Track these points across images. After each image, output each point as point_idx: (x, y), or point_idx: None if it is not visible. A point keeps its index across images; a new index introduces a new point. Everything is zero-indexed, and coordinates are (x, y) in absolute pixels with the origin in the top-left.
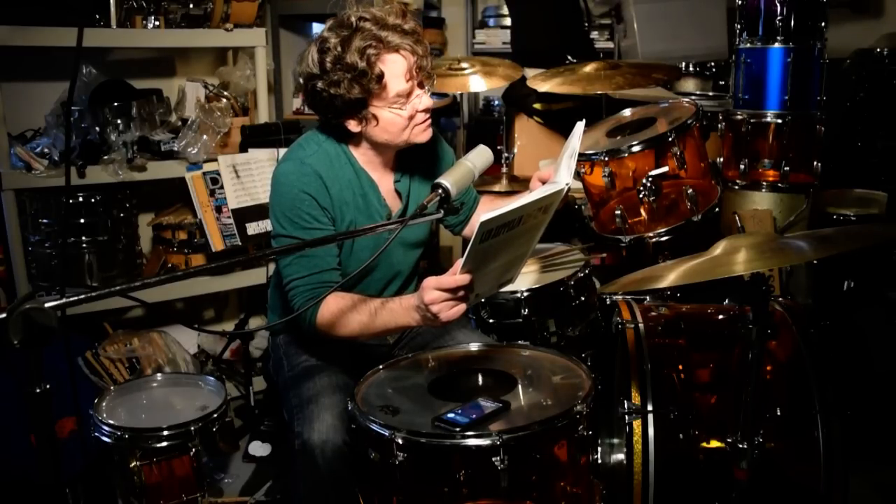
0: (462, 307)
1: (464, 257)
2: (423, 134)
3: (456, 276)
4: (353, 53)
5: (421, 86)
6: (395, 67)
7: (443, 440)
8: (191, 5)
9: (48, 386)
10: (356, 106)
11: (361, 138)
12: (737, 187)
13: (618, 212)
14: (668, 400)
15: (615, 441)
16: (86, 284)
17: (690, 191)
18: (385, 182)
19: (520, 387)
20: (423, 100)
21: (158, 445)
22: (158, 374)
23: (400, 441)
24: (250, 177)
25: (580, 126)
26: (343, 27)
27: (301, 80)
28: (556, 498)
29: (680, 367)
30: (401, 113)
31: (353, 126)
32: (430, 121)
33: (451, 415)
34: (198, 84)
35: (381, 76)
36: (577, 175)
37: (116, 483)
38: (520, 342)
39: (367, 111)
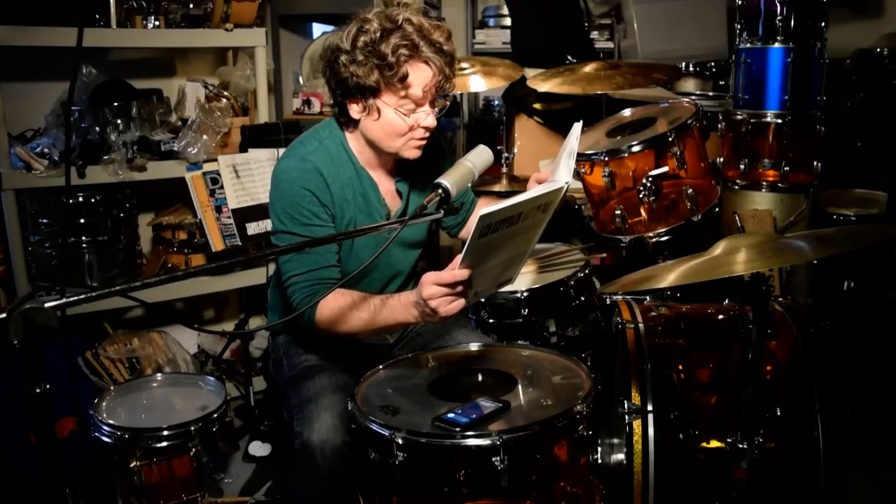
0: (460, 303)
1: (463, 252)
2: (413, 150)
3: (455, 270)
4: (387, 47)
5: (432, 104)
6: (418, 75)
7: (443, 440)
8: (191, 5)
9: (48, 386)
10: (366, 92)
11: (359, 132)
12: (737, 187)
13: (618, 212)
14: (668, 400)
15: (615, 441)
16: (86, 284)
17: (690, 191)
18: (385, 182)
19: (520, 387)
20: (429, 118)
21: (158, 445)
22: (158, 374)
23: (400, 441)
24: (250, 177)
25: (578, 126)
26: (389, 20)
27: (325, 52)
28: (556, 498)
29: (680, 367)
30: (404, 118)
31: (354, 111)
32: (425, 141)
33: (450, 415)
34: (198, 84)
35: (405, 76)
36: (577, 175)
37: (116, 483)
38: (520, 342)
39: (374, 101)
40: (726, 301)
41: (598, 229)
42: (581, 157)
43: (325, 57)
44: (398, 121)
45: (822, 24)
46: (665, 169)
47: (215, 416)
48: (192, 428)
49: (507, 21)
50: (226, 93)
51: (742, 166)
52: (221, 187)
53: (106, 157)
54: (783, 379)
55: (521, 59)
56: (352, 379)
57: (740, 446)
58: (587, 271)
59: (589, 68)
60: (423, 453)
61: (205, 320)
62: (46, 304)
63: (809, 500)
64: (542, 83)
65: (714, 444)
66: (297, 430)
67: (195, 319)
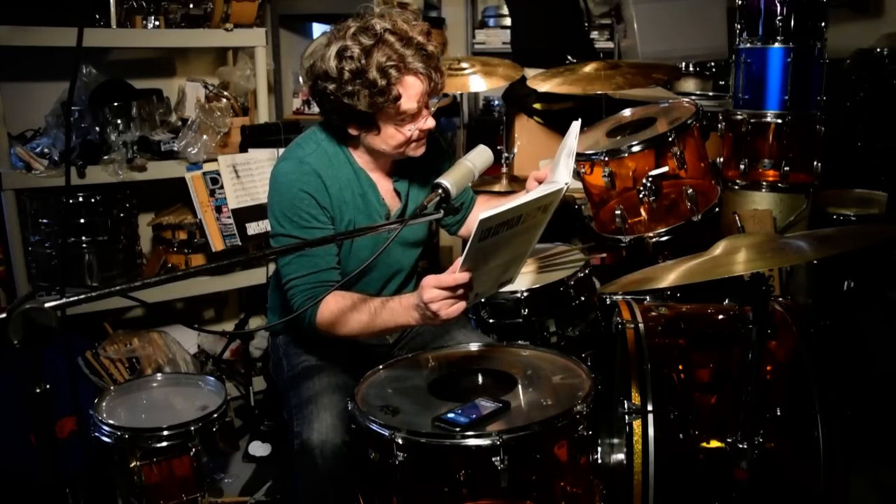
0: (461, 305)
1: (463, 255)
2: (418, 150)
3: (455, 274)
4: (374, 70)
5: (427, 106)
6: (410, 90)
7: (443, 440)
8: (191, 5)
9: (48, 386)
10: (363, 117)
11: (360, 141)
12: (737, 187)
13: (618, 212)
14: (668, 400)
15: (615, 441)
16: (86, 284)
17: (690, 191)
18: (384, 182)
19: (520, 387)
20: (427, 121)
21: (158, 445)
22: (158, 374)
23: (400, 441)
24: (250, 177)
25: (576, 125)
26: (366, 35)
27: (309, 77)
28: (556, 498)
29: (680, 367)
30: (403, 131)
31: (353, 130)
32: (425, 137)
33: (450, 415)
34: (198, 84)
35: (397, 97)
36: (577, 175)
37: (116, 483)
38: (520, 342)
39: (371, 122)
40: (726, 301)
41: (598, 229)
42: (581, 157)
43: (312, 83)
44: (398, 134)
45: (822, 24)
46: (665, 169)
47: (215, 416)
48: (192, 428)
49: (507, 21)
50: (226, 93)
51: (742, 166)
52: (221, 187)
53: (106, 157)
54: (783, 379)
55: (521, 59)
56: (351, 379)
57: (740, 446)
58: (587, 271)
59: (589, 68)
60: (423, 453)
61: (205, 320)
62: (46, 304)
63: (809, 500)
64: (542, 83)
65: (714, 444)
66: (296, 430)
67: (195, 319)
